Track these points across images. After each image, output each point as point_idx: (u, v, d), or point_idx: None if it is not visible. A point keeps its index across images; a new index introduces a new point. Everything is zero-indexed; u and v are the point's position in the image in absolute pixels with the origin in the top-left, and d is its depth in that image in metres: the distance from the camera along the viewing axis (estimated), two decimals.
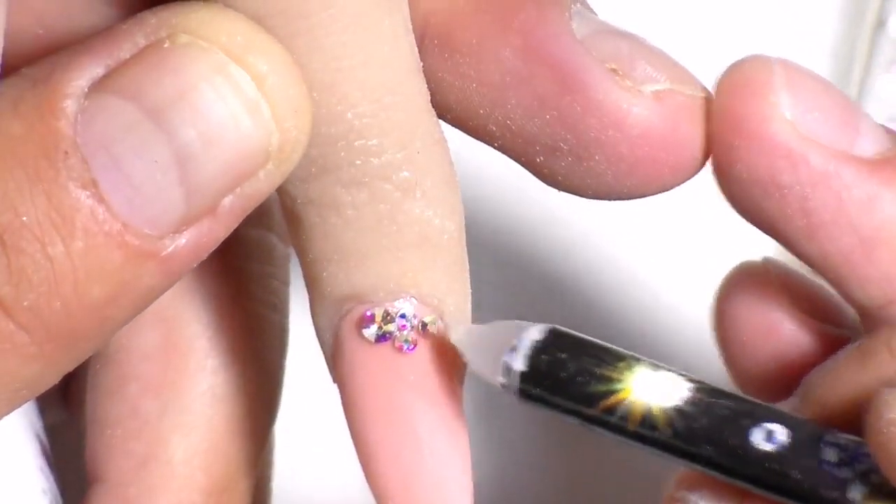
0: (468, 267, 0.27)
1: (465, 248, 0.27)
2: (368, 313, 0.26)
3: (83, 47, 0.23)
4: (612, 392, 0.25)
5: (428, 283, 0.26)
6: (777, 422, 0.25)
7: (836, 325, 0.29)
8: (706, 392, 0.25)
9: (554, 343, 0.26)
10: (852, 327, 0.29)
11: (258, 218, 0.31)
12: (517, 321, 0.26)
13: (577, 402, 0.25)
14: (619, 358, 0.26)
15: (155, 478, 0.30)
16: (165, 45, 0.23)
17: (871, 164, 0.26)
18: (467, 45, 0.26)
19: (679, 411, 0.25)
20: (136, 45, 0.23)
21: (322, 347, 0.27)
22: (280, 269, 0.32)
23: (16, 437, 0.30)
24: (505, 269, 0.42)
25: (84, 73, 0.23)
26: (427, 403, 0.27)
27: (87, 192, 0.23)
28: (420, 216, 0.26)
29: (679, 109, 0.26)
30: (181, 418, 0.30)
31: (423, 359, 0.26)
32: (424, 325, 0.26)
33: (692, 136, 0.26)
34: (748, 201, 0.27)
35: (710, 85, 0.27)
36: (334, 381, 0.27)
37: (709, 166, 0.27)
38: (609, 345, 0.26)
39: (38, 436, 0.31)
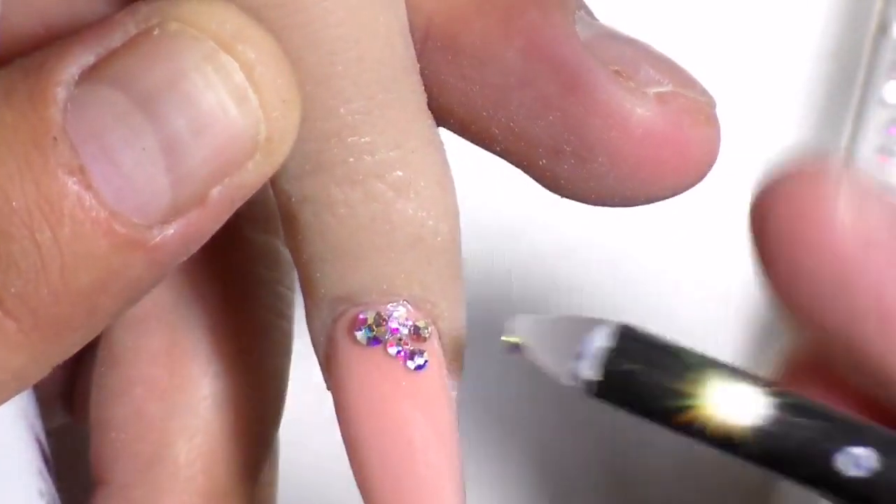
0: (463, 272, 0.27)
1: (461, 253, 0.26)
2: (361, 315, 0.26)
3: (75, 37, 0.23)
4: (687, 408, 0.24)
5: (420, 286, 0.26)
6: (866, 444, 0.24)
7: None
8: (788, 409, 0.24)
9: (624, 350, 0.25)
10: None
11: (264, 223, 0.31)
12: (585, 317, 0.25)
13: (652, 417, 0.25)
14: (694, 368, 0.24)
15: (159, 480, 0.30)
16: (155, 33, 0.23)
17: None
18: (471, 47, 0.26)
19: (759, 431, 0.24)
20: (127, 34, 0.23)
21: (316, 350, 0.27)
22: (285, 275, 0.32)
23: (13, 439, 0.30)
24: (501, 275, 0.42)
25: (75, 62, 0.23)
26: (419, 409, 0.26)
27: (75, 179, 0.23)
28: (413, 217, 0.25)
29: (683, 112, 0.26)
30: (185, 422, 0.30)
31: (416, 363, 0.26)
32: (417, 329, 0.26)
33: (696, 138, 0.26)
34: (814, 305, 0.27)
35: (714, 89, 0.27)
36: (327, 384, 0.27)
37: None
38: (683, 347, 0.25)
39: (37, 438, 0.31)
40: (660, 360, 0.25)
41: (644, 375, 0.24)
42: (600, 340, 0.25)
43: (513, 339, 0.25)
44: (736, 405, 0.24)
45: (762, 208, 0.27)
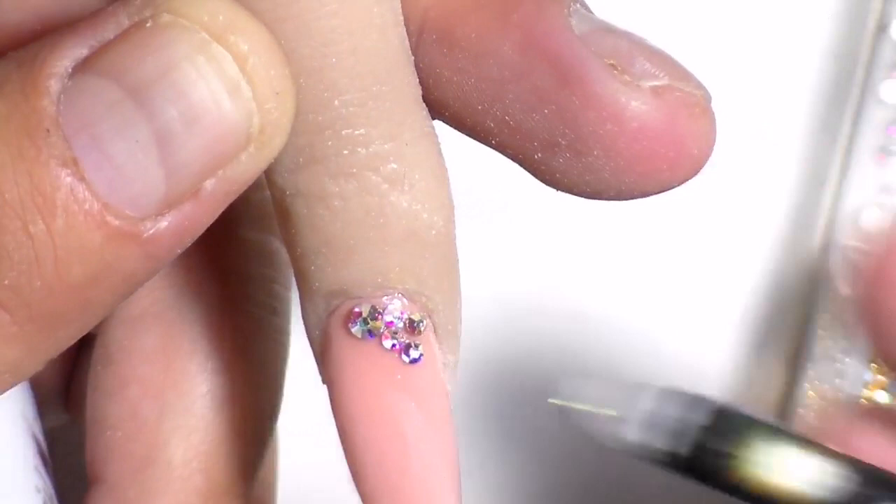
0: (459, 266, 0.27)
1: (456, 247, 0.26)
2: (356, 309, 0.26)
3: (69, 29, 0.23)
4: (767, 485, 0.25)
5: (415, 280, 0.26)
6: None
7: None
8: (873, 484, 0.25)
9: (715, 430, 0.25)
10: None
11: (260, 221, 0.31)
12: (638, 383, 0.26)
13: (738, 495, 0.25)
14: (775, 446, 0.25)
15: (154, 480, 0.30)
16: (148, 25, 0.23)
17: None
18: (466, 40, 0.26)
19: None
20: (121, 26, 0.23)
21: (311, 345, 0.27)
22: (282, 273, 0.32)
23: (10, 436, 0.30)
24: (499, 271, 0.42)
25: (68, 54, 0.23)
26: (414, 404, 0.26)
27: (68, 171, 0.23)
28: (408, 209, 0.25)
29: (678, 105, 0.26)
30: (181, 420, 0.30)
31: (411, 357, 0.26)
32: (412, 322, 0.26)
33: (691, 131, 0.26)
34: None
35: (713, 88, 0.26)
36: (323, 379, 0.27)
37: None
38: (770, 423, 0.25)
39: (35, 436, 0.31)
40: (743, 443, 0.25)
41: (733, 461, 0.25)
42: (695, 421, 0.25)
43: (560, 402, 0.26)
44: (811, 479, 0.25)
45: (870, 270, 0.28)
